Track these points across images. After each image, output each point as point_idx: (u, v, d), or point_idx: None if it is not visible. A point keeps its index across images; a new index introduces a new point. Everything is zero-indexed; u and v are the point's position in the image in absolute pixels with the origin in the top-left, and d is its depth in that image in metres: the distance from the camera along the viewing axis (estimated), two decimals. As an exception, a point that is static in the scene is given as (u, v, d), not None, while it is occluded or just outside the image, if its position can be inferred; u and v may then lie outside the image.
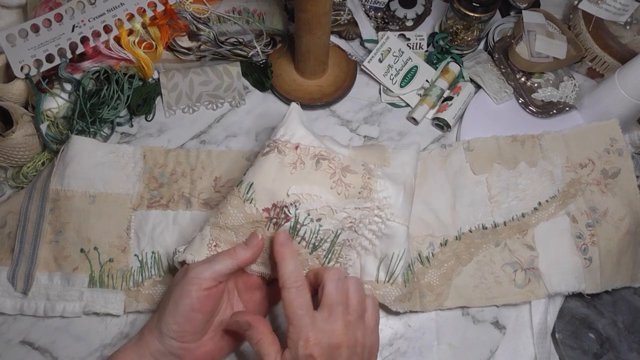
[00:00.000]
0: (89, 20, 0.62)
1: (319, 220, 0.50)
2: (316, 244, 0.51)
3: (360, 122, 0.67)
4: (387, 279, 0.53)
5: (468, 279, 0.56)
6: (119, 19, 0.63)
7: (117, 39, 0.64)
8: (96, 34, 0.62)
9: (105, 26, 0.62)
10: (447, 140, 0.66)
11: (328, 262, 0.52)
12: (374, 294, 0.53)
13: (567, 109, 0.66)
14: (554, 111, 0.66)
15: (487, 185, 0.60)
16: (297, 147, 0.51)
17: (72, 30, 0.61)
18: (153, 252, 0.56)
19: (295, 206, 0.50)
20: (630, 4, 0.66)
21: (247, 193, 0.49)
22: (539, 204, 0.59)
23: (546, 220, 0.59)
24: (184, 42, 0.66)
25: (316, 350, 0.42)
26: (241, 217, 0.50)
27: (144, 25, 0.64)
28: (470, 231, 0.58)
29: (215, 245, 0.50)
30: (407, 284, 0.54)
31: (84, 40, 0.62)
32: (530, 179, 0.60)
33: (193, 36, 0.66)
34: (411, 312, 0.56)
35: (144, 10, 0.63)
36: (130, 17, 0.63)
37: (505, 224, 0.59)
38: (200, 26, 0.65)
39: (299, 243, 0.50)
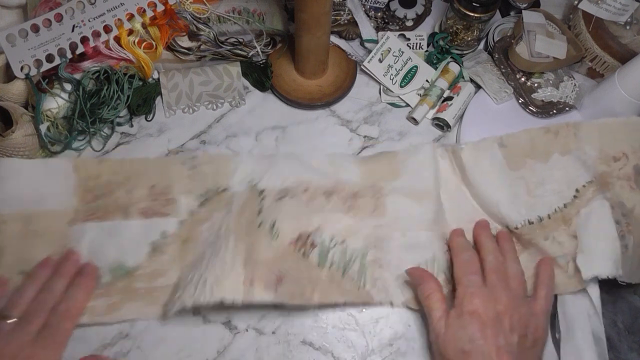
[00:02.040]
0: (89, 20, 0.62)
1: (343, 242, 0.55)
2: (346, 266, 0.54)
3: (360, 122, 0.67)
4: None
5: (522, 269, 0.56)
6: (119, 19, 0.63)
7: (117, 39, 0.64)
8: (96, 34, 0.62)
9: (105, 26, 0.62)
10: (447, 141, 0.66)
11: (364, 285, 0.54)
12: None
13: (567, 109, 0.66)
14: (554, 111, 0.66)
15: (524, 180, 0.59)
16: (306, 190, 0.57)
17: (72, 30, 0.61)
18: None
19: (320, 234, 0.55)
20: (630, 4, 0.66)
21: (272, 230, 0.54)
22: (577, 190, 0.58)
23: (586, 206, 0.57)
24: (184, 42, 0.66)
25: (481, 307, 0.43)
26: (270, 252, 0.53)
27: (144, 25, 0.64)
28: (517, 228, 0.57)
29: (250, 282, 0.52)
30: (450, 281, 0.54)
31: (84, 40, 0.62)
32: (564, 168, 0.59)
33: (193, 36, 0.66)
34: (412, 310, 0.56)
35: (144, 10, 0.63)
36: (130, 17, 0.63)
37: (549, 216, 0.58)
38: (200, 26, 0.65)
39: (329, 269, 0.54)
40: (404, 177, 0.59)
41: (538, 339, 0.46)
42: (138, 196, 0.58)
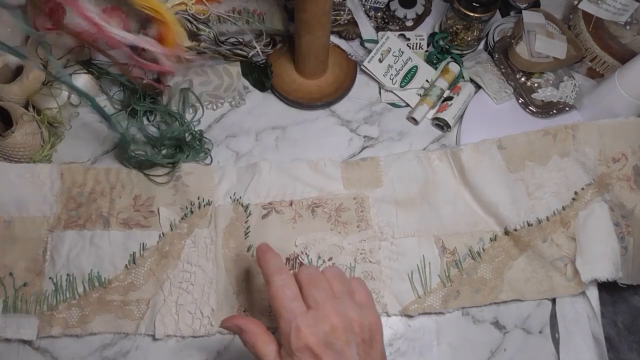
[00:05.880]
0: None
1: (330, 259, 0.56)
2: None
3: (360, 122, 0.67)
4: (425, 290, 0.56)
5: (519, 273, 0.57)
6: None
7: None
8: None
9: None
10: (447, 141, 0.66)
11: None
12: (423, 308, 0.55)
13: (567, 109, 0.66)
14: (554, 111, 0.66)
15: (524, 183, 0.60)
16: (291, 203, 0.58)
17: None
18: (68, 275, 0.55)
19: (306, 253, 0.56)
20: (630, 4, 0.66)
21: None
22: (576, 193, 0.59)
23: (584, 209, 0.58)
24: (184, 42, 0.66)
25: (311, 339, 0.38)
26: (261, 278, 0.52)
27: None
28: (516, 230, 0.57)
29: (244, 311, 0.54)
30: (446, 283, 0.56)
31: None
32: (563, 170, 0.60)
33: (193, 36, 0.66)
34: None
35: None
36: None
37: (548, 219, 0.58)
38: (200, 26, 0.65)
39: None
40: (387, 185, 0.60)
41: (374, 330, 0.42)
42: (120, 206, 0.58)
